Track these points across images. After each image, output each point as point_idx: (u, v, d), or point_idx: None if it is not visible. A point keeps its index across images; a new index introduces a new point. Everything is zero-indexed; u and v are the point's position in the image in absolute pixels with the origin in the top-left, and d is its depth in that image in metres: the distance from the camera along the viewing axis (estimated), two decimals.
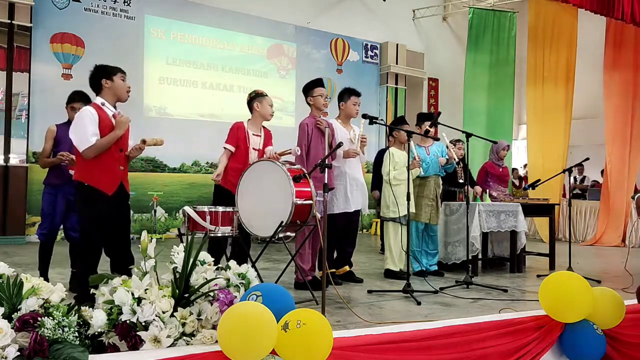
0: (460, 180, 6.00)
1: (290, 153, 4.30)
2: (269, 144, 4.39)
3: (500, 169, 6.35)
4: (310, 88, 4.61)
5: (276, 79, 10.18)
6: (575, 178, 11.53)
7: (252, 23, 9.76)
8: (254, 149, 4.24)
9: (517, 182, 11.61)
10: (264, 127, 4.40)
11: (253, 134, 4.25)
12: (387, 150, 5.13)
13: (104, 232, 3.26)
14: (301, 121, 4.59)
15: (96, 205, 3.23)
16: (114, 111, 3.34)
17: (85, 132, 3.18)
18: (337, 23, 10.83)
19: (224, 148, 4.22)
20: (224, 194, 4.10)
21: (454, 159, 5.18)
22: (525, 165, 12.27)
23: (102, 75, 3.33)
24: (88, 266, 3.22)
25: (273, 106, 4.38)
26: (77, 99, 4.12)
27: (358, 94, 4.82)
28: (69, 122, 4.11)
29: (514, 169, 11.30)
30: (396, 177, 4.92)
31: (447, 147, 5.21)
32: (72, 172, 4.04)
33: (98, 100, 3.33)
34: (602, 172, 10.02)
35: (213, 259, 2.25)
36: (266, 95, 4.34)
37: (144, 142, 3.37)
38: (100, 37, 8.23)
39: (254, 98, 4.32)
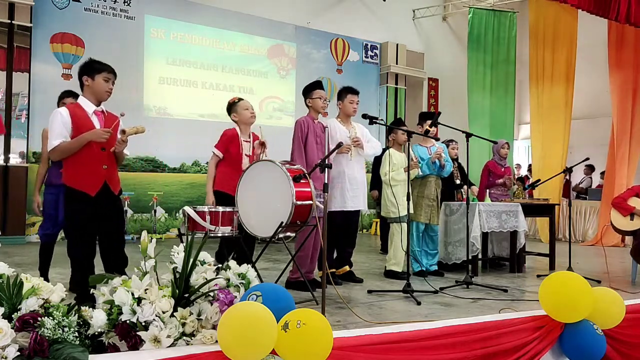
0: (457, 181, 6.00)
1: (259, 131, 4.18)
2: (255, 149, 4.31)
3: (503, 169, 6.34)
4: (309, 90, 4.59)
5: (276, 79, 10.18)
6: (583, 179, 11.59)
7: (252, 23, 9.75)
8: (246, 155, 4.18)
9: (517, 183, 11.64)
10: (252, 132, 4.33)
11: (244, 140, 4.20)
12: (387, 151, 5.14)
13: (91, 234, 3.20)
14: (297, 119, 4.56)
15: (79, 206, 3.13)
16: (95, 108, 3.22)
17: (50, 135, 3.12)
18: (337, 23, 10.83)
19: (213, 152, 4.18)
20: (222, 197, 4.06)
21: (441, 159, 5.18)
22: (529, 168, 12.31)
23: (85, 71, 3.22)
24: (82, 267, 3.16)
25: (251, 108, 4.24)
26: (66, 95, 4.11)
27: (354, 92, 4.80)
28: None
29: (521, 177, 11.35)
30: (394, 177, 4.93)
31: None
32: None
33: (80, 99, 3.24)
34: (602, 173, 10.05)
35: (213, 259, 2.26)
36: (239, 101, 4.24)
37: (123, 132, 3.21)
38: (100, 37, 8.23)
39: (229, 110, 4.26)
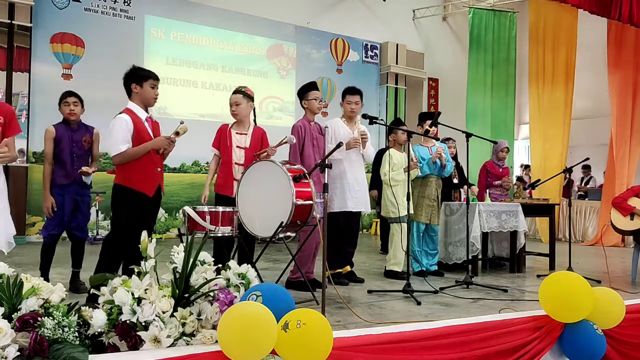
0: (455, 180, 6.00)
1: (285, 142, 4.09)
2: (259, 143, 4.18)
3: (501, 170, 6.36)
4: (305, 91, 4.57)
5: (276, 79, 10.18)
6: (582, 179, 11.60)
7: (252, 23, 9.75)
8: (238, 147, 4.09)
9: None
10: (257, 126, 4.24)
11: (237, 133, 4.13)
12: (387, 151, 5.14)
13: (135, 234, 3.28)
14: (294, 123, 4.56)
15: (138, 207, 3.29)
16: (146, 115, 3.39)
17: (116, 139, 3.24)
18: (337, 23, 10.83)
19: (212, 152, 4.22)
20: (222, 200, 4.02)
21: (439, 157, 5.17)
22: (527, 167, 12.29)
23: (132, 79, 3.36)
24: (113, 264, 3.26)
25: (234, 105, 4.08)
26: (68, 95, 4.14)
27: (353, 92, 4.76)
28: (64, 122, 4.15)
29: (520, 178, 11.35)
30: (393, 177, 4.94)
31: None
32: (85, 175, 4.07)
33: (132, 105, 3.37)
34: (604, 173, 10.05)
35: (213, 260, 2.26)
36: (233, 94, 4.14)
37: (177, 134, 3.38)
38: (100, 37, 8.23)
39: None
